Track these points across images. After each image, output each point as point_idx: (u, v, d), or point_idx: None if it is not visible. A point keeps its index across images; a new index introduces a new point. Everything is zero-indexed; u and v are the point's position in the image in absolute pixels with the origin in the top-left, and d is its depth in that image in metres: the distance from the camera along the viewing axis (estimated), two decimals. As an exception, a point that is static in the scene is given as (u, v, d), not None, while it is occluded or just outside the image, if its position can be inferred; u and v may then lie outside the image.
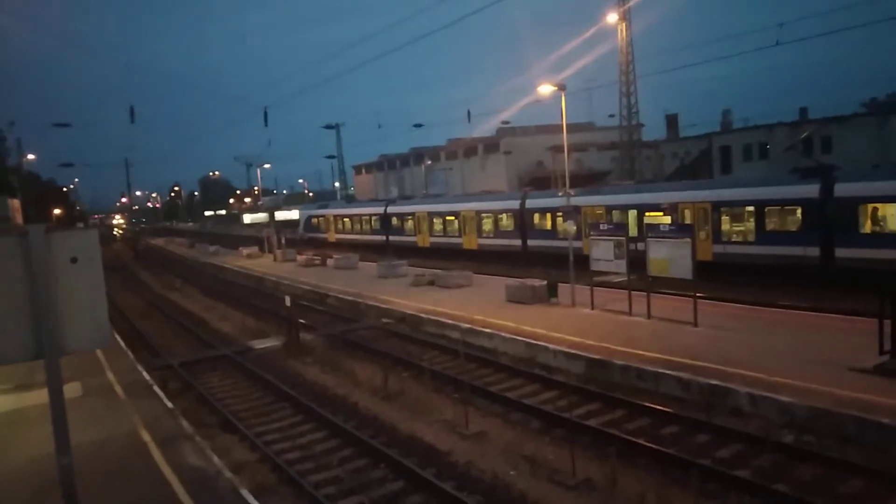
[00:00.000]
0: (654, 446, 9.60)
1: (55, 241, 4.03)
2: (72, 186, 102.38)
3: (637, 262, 17.17)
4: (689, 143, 64.13)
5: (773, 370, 11.50)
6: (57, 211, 73.26)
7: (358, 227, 50.79)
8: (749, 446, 9.52)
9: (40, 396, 11.85)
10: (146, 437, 10.41)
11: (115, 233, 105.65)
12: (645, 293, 16.75)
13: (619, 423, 10.91)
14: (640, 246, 17.31)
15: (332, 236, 54.22)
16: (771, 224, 23.21)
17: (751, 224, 23.82)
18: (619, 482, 8.72)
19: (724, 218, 24.81)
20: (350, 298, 24.12)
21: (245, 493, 8.21)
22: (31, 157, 55.46)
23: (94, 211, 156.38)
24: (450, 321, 18.26)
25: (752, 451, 9.37)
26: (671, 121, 74.60)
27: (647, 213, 27.19)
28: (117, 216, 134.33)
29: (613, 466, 9.00)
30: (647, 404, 11.38)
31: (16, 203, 43.85)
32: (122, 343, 18.47)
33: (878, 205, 20.70)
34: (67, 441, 4.10)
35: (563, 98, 20.29)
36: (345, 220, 53.17)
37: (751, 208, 23.79)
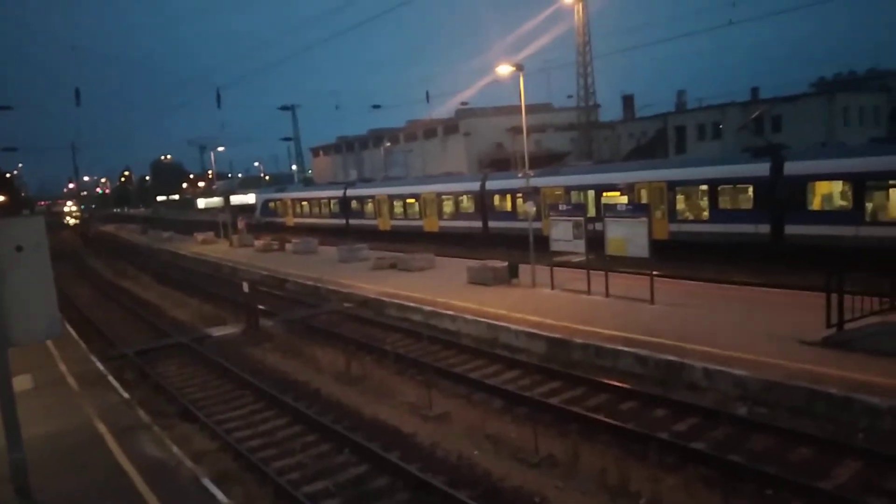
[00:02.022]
0: (613, 422, 9.81)
1: (1, 229, 3.85)
2: (15, 172, 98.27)
3: (596, 242, 17.42)
4: (645, 124, 65.15)
5: (726, 345, 11.86)
6: (1, 198, 70.31)
7: (317, 210, 50.16)
8: (705, 419, 9.82)
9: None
10: (102, 428, 10.15)
11: (66, 220, 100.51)
12: (604, 272, 17.02)
13: (580, 401, 11.12)
14: (599, 226, 17.56)
15: (291, 220, 53.44)
16: (724, 203, 23.79)
17: (704, 203, 24.38)
18: (581, 458, 8.89)
19: (679, 197, 25.32)
20: (310, 283, 23.87)
21: (206, 482, 8.09)
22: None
23: (40, 197, 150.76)
24: (412, 304, 18.25)
25: (708, 424, 9.67)
26: (627, 101, 75.67)
27: (604, 194, 27.57)
28: (69, 202, 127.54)
29: (575, 443, 9.18)
30: (606, 381, 11.62)
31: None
32: (73, 333, 17.91)
33: (824, 182, 21.40)
34: (19, 435, 3.96)
35: (521, 79, 20.30)
36: (303, 203, 52.43)
37: (704, 187, 24.33)
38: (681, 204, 25.33)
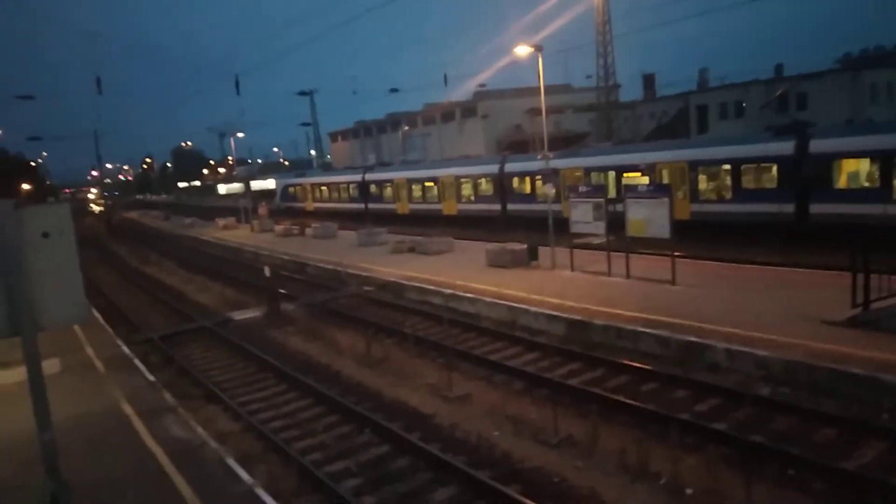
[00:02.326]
0: (633, 402, 9.80)
1: (26, 216, 3.92)
2: (39, 161, 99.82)
3: (616, 224, 17.28)
4: (666, 103, 64.22)
5: (748, 325, 11.74)
6: (25, 186, 71.55)
7: (336, 195, 50.36)
8: (727, 400, 9.76)
9: (18, 374, 11.73)
10: (128, 410, 10.37)
11: (89, 207, 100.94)
12: (624, 254, 16.90)
13: (600, 382, 11.10)
14: (619, 208, 17.40)
15: (310, 205, 53.74)
16: (747, 182, 23.42)
17: (727, 182, 24.03)
18: (601, 439, 8.90)
19: (701, 177, 24.98)
20: (330, 267, 24.03)
21: (231, 461, 8.25)
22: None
23: (64, 185, 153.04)
24: (432, 287, 18.31)
25: (730, 405, 9.61)
26: (648, 81, 74.56)
27: (625, 175, 27.29)
28: (93, 190, 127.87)
29: (595, 423, 9.19)
30: (627, 362, 11.59)
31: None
32: (100, 318, 18.26)
33: (851, 160, 20.96)
34: (48, 416, 4.06)
35: (539, 60, 20.08)
36: (322, 188, 52.66)
37: (727, 167, 23.96)
38: (703, 184, 25.00)
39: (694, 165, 24.92)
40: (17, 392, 11.03)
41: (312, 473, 8.48)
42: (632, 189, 17.32)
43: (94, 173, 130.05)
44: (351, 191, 48.05)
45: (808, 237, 20.73)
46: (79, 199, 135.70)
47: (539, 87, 20.43)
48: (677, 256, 16.18)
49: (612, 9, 54.80)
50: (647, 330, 12.27)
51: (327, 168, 76.19)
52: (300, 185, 56.27)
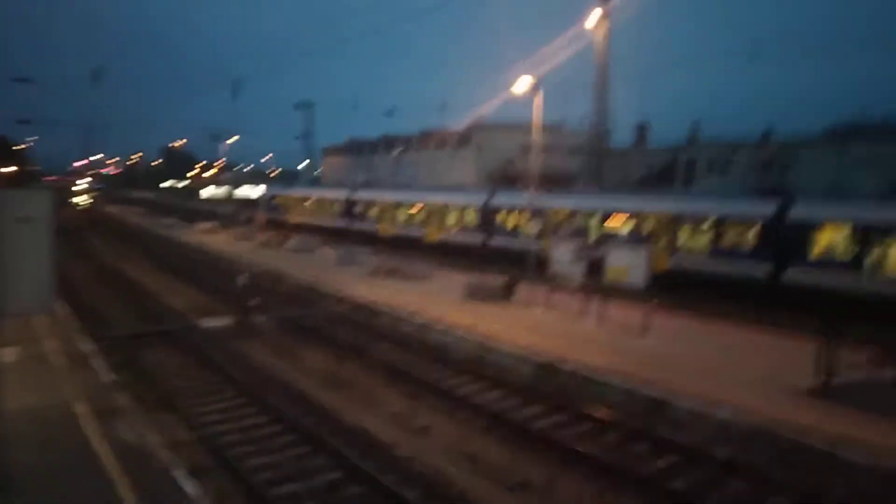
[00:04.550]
0: (593, 452, 9.74)
1: (5, 200, 3.84)
2: (30, 144, 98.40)
3: (596, 267, 17.39)
4: (657, 155, 65.32)
5: (712, 387, 11.78)
6: (9, 169, 70.53)
7: (322, 210, 50.21)
8: (686, 458, 9.75)
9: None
10: (82, 408, 10.10)
11: (73, 200, 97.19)
12: (599, 298, 16.96)
13: (561, 427, 11.04)
14: (601, 251, 17.53)
15: (294, 218, 53.51)
16: (728, 239, 23.73)
17: (707, 238, 24.33)
18: (558, 485, 8.82)
19: (684, 230, 25.27)
20: (305, 283, 23.84)
21: (179, 473, 8.03)
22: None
23: (49, 172, 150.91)
24: (405, 314, 18.20)
25: (688, 464, 9.59)
26: (641, 130, 75.82)
27: (606, 223, 27.52)
28: (85, 180, 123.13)
29: (553, 470, 9.11)
30: (589, 413, 11.55)
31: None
32: (67, 311, 17.88)
33: (828, 230, 21.35)
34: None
35: (537, 99, 20.35)
36: (307, 202, 52.51)
37: (709, 222, 24.29)
38: (684, 237, 25.28)
39: (678, 218, 25.23)
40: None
41: (261, 494, 8.28)
42: (614, 236, 17.47)
43: (77, 164, 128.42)
44: (336, 208, 47.95)
45: (782, 299, 20.97)
46: (59, 188, 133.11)
47: (533, 124, 20.68)
48: (654, 304, 16.27)
49: (612, 52, 55.77)
50: (613, 381, 12.27)
51: (316, 182, 76.12)
52: (286, 196, 56.08)
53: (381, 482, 8.65)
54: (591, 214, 28.56)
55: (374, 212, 43.42)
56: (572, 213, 29.26)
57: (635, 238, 17.21)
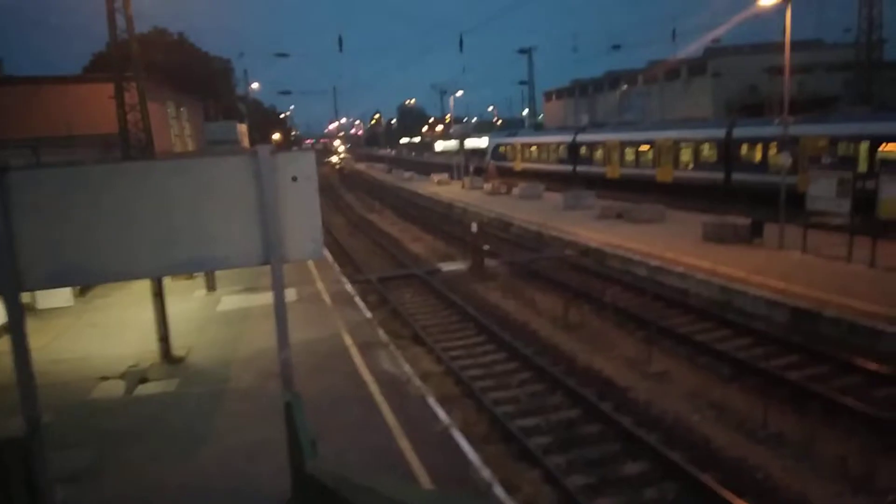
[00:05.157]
0: (861, 407, 8.63)
1: (280, 161, 4.47)
2: (288, 113, 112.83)
3: (865, 203, 15.02)
4: (949, 63, 53.35)
5: None
6: (276, 135, 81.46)
7: (545, 156, 50.13)
8: None
9: (263, 298, 13.68)
10: (348, 340, 11.60)
11: (330, 159, 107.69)
12: (871, 239, 14.67)
13: (822, 379, 9.93)
14: (871, 184, 15.07)
15: (519, 165, 54.21)
16: None
17: None
18: (817, 441, 8.03)
19: None
20: (533, 228, 24.21)
21: (431, 401, 8.88)
22: (255, 85, 61.89)
23: (307, 135, 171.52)
24: (637, 257, 17.63)
25: None
26: (927, 35, 62.33)
27: (882, 147, 23.43)
28: (337, 141, 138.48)
29: (812, 424, 8.30)
30: (859, 362, 10.20)
31: (243, 128, 49.49)
32: (329, 257, 20.46)
33: None
34: (286, 337, 4.69)
35: (787, 9, 17.76)
36: (531, 148, 52.70)
37: None
38: None
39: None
40: (261, 314, 12.90)
41: (504, 425, 8.81)
42: (890, 164, 14.85)
43: (332, 126, 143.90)
44: (560, 152, 47.47)
45: None
46: (317, 150, 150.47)
47: (783, 42, 18.16)
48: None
49: (887, -52, 46.41)
50: (890, 328, 10.64)
51: (539, 128, 75.94)
52: (510, 144, 56.90)
53: (617, 423, 8.66)
54: (857, 140, 24.56)
55: (599, 153, 42.19)
56: (834, 141, 25.44)
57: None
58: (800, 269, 14.87)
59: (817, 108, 39.83)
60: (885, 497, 6.91)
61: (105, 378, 10.32)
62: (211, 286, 16.24)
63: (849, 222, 15.62)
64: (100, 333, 13.04)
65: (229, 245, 4.40)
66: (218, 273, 15.65)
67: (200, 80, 47.21)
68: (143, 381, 10.30)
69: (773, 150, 26.55)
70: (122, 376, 10.32)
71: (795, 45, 18.27)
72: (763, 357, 10.95)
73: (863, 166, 22.37)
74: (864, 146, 24.28)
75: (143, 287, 11.97)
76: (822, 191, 16.05)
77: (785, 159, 18.24)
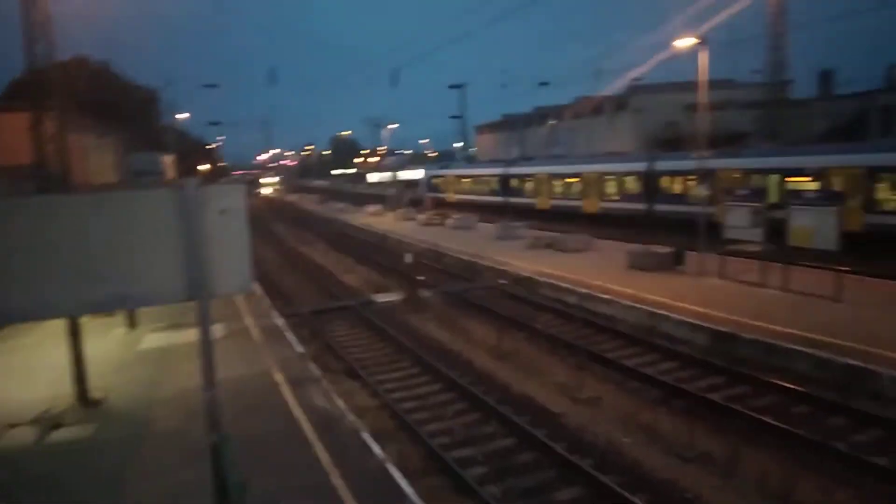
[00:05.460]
0: (780, 425, 9.07)
1: (207, 194, 4.38)
2: (217, 144, 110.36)
3: (775, 232, 15.99)
4: (844, 103, 57.98)
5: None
6: (204, 167, 79.49)
7: (478, 187, 50.98)
8: (890, 433, 8.76)
9: (188, 335, 13.18)
10: (279, 377, 11.29)
11: (259, 191, 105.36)
12: (781, 265, 15.60)
13: (743, 399, 10.39)
14: (780, 214, 16.07)
15: (452, 196, 54.87)
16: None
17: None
18: (741, 460, 8.36)
19: (882, 185, 22.36)
20: (467, 258, 24.46)
21: (366, 436, 8.72)
22: (182, 116, 60.27)
23: (237, 167, 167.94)
24: (566, 285, 18.06)
25: (894, 439, 8.62)
26: (824, 78, 67.72)
27: (789, 179, 25.10)
28: (270, 174, 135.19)
29: (735, 443, 8.64)
30: (776, 381, 10.74)
31: (169, 159, 48.09)
32: (260, 290, 19.96)
33: None
34: (213, 375, 4.54)
35: (702, 51, 18.94)
36: (465, 181, 53.54)
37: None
38: (882, 193, 22.37)
39: (873, 172, 22.36)
40: (186, 352, 12.42)
41: (440, 456, 8.75)
42: (798, 195, 15.91)
43: (261, 157, 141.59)
44: (493, 184, 48.41)
45: None
46: (246, 180, 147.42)
47: (699, 82, 19.32)
48: (845, 272, 14.66)
49: (787, -2, 50.23)
50: (802, 348, 11.28)
51: (471, 160, 77.26)
52: (444, 176, 57.61)
53: (552, 449, 8.75)
54: (769, 173, 26.21)
55: (529, 185, 43.27)
56: (747, 174, 27.05)
57: (823, 196, 15.53)
58: (719, 295, 15.61)
59: (731, 143, 42.32)
60: (803, 511, 7.24)
61: (14, 425, 9.64)
62: (132, 323, 15.53)
63: (762, 250, 16.57)
64: (9, 377, 12.21)
65: (152, 281, 4.26)
66: (141, 309, 14.99)
67: (124, 110, 45.74)
68: (57, 426, 9.66)
69: (691, 183, 27.97)
70: (34, 422, 9.66)
71: (710, 84, 19.46)
72: (688, 379, 11.38)
73: (773, 197, 23.86)
74: (774, 178, 25.95)
75: (58, 326, 11.32)
76: (738, 221, 16.99)
77: (703, 191, 19.24)
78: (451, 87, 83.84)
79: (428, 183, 60.46)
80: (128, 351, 13.66)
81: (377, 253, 29.67)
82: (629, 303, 15.53)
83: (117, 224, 4.09)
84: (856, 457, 8.10)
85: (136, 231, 4.16)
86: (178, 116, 58.78)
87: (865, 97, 54.03)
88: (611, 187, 35.66)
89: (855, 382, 10.25)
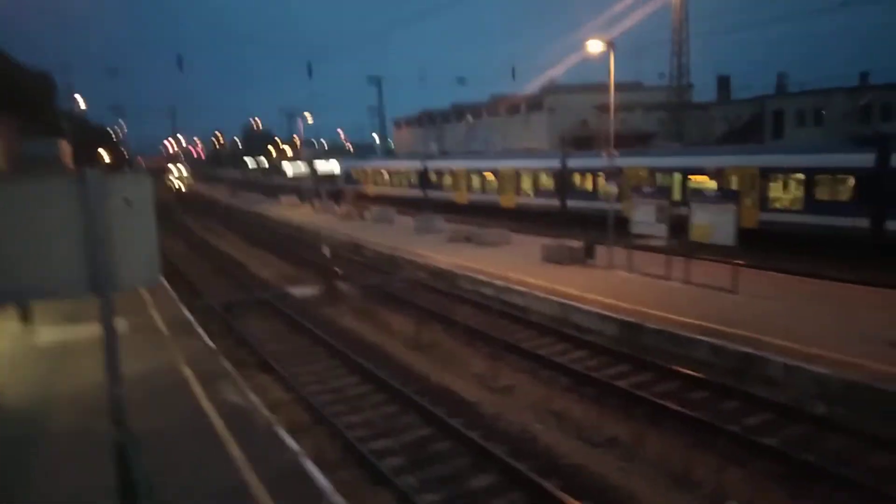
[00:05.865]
0: (681, 409, 9.64)
1: (112, 184, 4.18)
2: (120, 132, 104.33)
3: (679, 227, 16.92)
4: (741, 107, 61.88)
5: (808, 341, 11.34)
6: (104, 155, 74.97)
7: (397, 181, 50.90)
8: (779, 415, 9.50)
9: (89, 330, 12.46)
10: (188, 372, 10.89)
11: (168, 181, 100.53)
12: (684, 259, 16.53)
13: (648, 386, 10.96)
14: (684, 210, 17.02)
15: (371, 190, 54.51)
16: (821, 193, 22.47)
17: (799, 193, 23.11)
18: (646, 443, 8.82)
19: (773, 185, 24.10)
20: (386, 251, 24.40)
21: (280, 431, 8.57)
22: (80, 101, 56.53)
23: (142, 155, 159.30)
24: (484, 278, 18.38)
25: (782, 421, 9.35)
26: (723, 83, 71.93)
27: (691, 178, 26.60)
28: (177, 165, 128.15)
29: (640, 427, 9.10)
30: (677, 368, 11.39)
31: (66, 145, 44.99)
32: (166, 284, 19.10)
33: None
34: (118, 372, 4.34)
35: (611, 55, 19.75)
36: (384, 174, 53.32)
37: (800, 176, 23.04)
38: (774, 192, 24.11)
39: (765, 172, 24.05)
40: (84, 349, 11.75)
41: (357, 449, 8.73)
42: (698, 193, 16.90)
43: (170, 145, 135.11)
44: (412, 178, 48.47)
45: (885, 254, 19.75)
46: (150, 169, 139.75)
47: (609, 84, 20.12)
48: (741, 265, 15.72)
49: (690, 8, 53.14)
50: (701, 337, 12.02)
51: (390, 154, 77.00)
52: (363, 169, 57.12)
53: (468, 437, 8.92)
54: (672, 172, 27.66)
55: (448, 180, 43.63)
56: (653, 172, 28.42)
57: (722, 194, 16.57)
58: (626, 287, 16.36)
59: (638, 143, 44.26)
60: (700, 489, 7.73)
61: None
62: (25, 318, 14.50)
63: (666, 244, 17.49)
64: None
65: (51, 274, 4.02)
66: (37, 304, 14.02)
67: (16, 94, 42.35)
68: (-61, 430, 8.93)
69: (601, 180, 29.10)
70: (-90, 426, 8.88)
71: (619, 86, 20.34)
72: (597, 367, 11.88)
73: (677, 195, 25.22)
74: (677, 177, 27.41)
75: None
76: (644, 216, 17.84)
77: (612, 188, 20.07)
78: (369, 79, 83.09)
79: (347, 176, 59.75)
80: (22, 346, 12.77)
81: (294, 246, 29.06)
82: (543, 294, 16.01)
83: (11, 214, 3.85)
84: (748, 438, 8.72)
85: (32, 222, 3.93)
86: (76, 101, 55.13)
87: (759, 101, 57.86)
88: (526, 183, 36.53)
89: (749, 369, 11.03)
